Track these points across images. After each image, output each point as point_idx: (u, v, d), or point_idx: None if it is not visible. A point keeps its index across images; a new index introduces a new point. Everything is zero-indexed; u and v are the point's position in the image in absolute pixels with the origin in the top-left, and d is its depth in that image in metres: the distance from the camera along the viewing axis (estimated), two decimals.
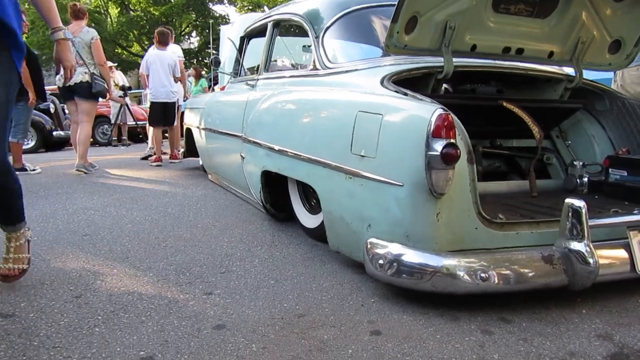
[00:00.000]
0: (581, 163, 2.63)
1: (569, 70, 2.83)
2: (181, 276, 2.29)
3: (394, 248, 1.92)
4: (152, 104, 6.44)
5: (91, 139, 9.42)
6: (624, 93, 3.12)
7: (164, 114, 6.43)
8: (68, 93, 5.46)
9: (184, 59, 7.12)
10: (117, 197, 4.12)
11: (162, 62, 6.32)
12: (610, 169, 2.51)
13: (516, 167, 2.96)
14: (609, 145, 2.76)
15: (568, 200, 1.83)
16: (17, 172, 2.18)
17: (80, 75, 5.19)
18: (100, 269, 2.38)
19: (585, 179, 2.59)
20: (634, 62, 3.27)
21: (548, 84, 2.84)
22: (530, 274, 1.83)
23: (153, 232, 3.03)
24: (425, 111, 1.86)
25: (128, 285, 2.18)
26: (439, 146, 1.77)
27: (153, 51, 6.51)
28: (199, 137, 4.82)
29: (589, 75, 2.82)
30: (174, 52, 6.81)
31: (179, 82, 6.80)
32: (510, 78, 2.87)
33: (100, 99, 5.71)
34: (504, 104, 2.52)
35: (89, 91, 5.31)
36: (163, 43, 6.45)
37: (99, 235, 2.95)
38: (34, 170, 5.63)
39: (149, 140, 7.20)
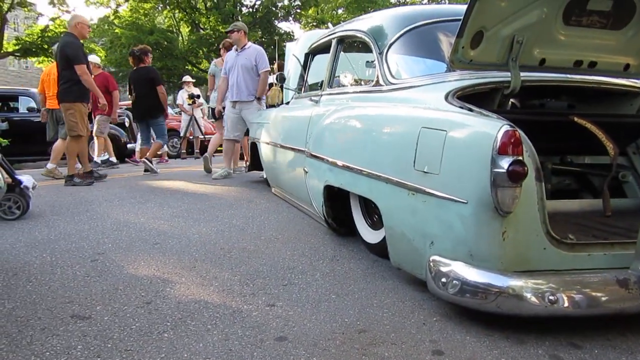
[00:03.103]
0: None
1: None
2: (245, 287, 2.35)
3: (458, 267, 1.89)
4: None
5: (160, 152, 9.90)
6: None
7: None
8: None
9: None
10: (185, 207, 4.30)
11: None
12: None
13: (588, 185, 2.83)
14: None
15: None
16: None
17: None
18: (169, 276, 2.50)
19: None
20: None
21: (624, 98, 2.70)
22: (603, 298, 1.75)
23: (219, 242, 3.14)
24: (490, 127, 1.83)
25: (195, 293, 2.27)
26: (505, 163, 1.73)
27: None
28: (264, 151, 4.94)
29: None
30: None
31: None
32: (583, 92, 2.76)
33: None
34: (576, 119, 2.42)
35: None
36: None
37: (168, 245, 3.09)
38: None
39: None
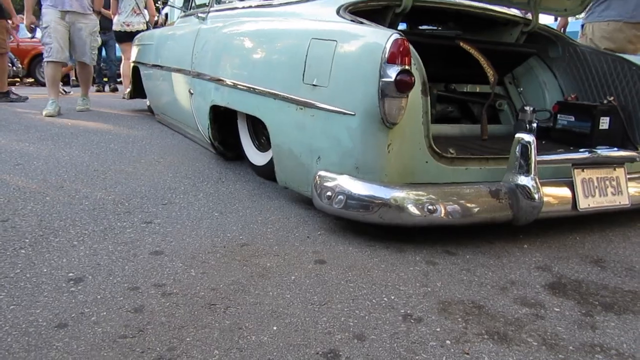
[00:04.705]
0: (531, 108, 2.63)
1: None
2: (119, 206, 2.17)
3: (343, 180, 1.87)
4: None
5: (32, 79, 8.94)
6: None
7: None
8: (126, 37, 6.49)
9: None
10: (56, 131, 3.88)
11: None
12: (558, 115, 2.53)
13: (469, 112, 2.95)
14: (559, 93, 2.78)
15: (518, 135, 1.83)
16: None
17: (139, 25, 6.51)
18: (31, 195, 2.23)
19: (535, 125, 2.59)
20: (605, 17, 3.29)
21: (505, 27, 2.81)
22: (477, 208, 1.83)
23: (92, 164, 2.87)
24: (380, 37, 1.78)
25: (61, 212, 2.05)
26: (393, 73, 1.70)
27: None
28: (147, 75, 4.57)
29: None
30: None
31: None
32: (468, 21, 2.82)
33: None
34: (461, 44, 2.47)
35: None
36: None
37: (33, 165, 2.76)
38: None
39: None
